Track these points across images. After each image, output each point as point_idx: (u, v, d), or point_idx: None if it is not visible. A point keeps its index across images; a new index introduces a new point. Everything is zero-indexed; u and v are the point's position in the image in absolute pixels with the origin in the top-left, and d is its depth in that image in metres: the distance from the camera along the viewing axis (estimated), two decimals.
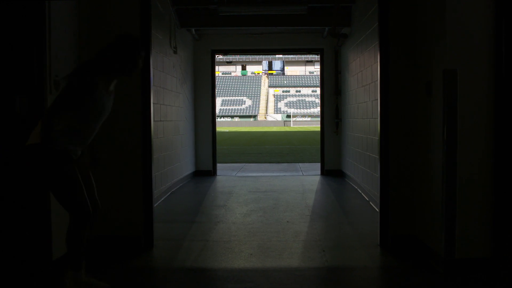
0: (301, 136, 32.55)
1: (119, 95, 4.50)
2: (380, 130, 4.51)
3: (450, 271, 3.72)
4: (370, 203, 6.64)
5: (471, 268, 3.73)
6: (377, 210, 4.75)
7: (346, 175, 9.25)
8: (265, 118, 71.15)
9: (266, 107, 74.43)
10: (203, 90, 10.13)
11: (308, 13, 8.50)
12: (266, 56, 78.70)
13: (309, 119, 66.78)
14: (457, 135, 3.68)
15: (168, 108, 7.62)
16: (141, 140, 4.50)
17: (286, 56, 78.19)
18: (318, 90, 10.61)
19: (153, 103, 4.69)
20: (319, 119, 10.67)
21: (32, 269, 3.78)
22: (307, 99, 74.68)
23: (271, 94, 77.50)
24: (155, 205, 4.89)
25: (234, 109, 73.25)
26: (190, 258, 4.32)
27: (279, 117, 70.09)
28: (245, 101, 75.22)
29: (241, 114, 71.90)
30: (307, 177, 9.81)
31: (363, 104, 7.32)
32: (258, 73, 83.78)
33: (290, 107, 72.51)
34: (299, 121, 66.00)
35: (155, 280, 3.92)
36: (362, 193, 7.43)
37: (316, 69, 79.17)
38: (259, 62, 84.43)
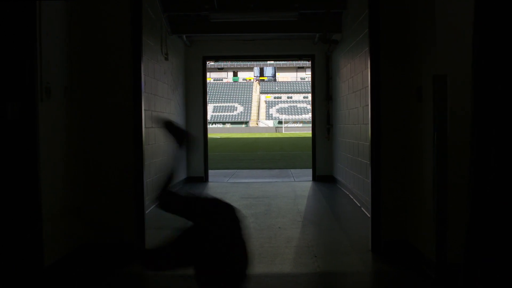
0: (293, 142, 32.58)
1: (110, 102, 4.51)
2: (371, 135, 4.53)
3: (441, 276, 3.73)
4: (362, 208, 6.66)
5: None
6: (369, 215, 4.76)
7: (337, 181, 9.26)
8: (257, 124, 71.15)
9: (258, 113, 74.45)
10: (195, 96, 10.13)
11: (299, 20, 8.54)
12: (258, 63, 78.80)
13: (300, 125, 66.84)
14: (447, 140, 3.71)
15: (159, 115, 7.61)
16: (132, 146, 4.49)
17: (278, 62, 78.27)
18: (310, 96, 10.65)
19: (145, 110, 4.68)
20: (310, 125, 10.70)
21: (21, 276, 3.74)
22: (298, 105, 74.78)
23: (262, 100, 77.54)
24: (147, 212, 4.88)
25: (226, 115, 73.19)
26: None
27: (270, 123, 70.10)
28: (236, 108, 75.19)
29: (233, 121, 71.84)
30: (299, 183, 9.82)
31: (354, 110, 7.35)
32: (250, 80, 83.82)
33: (282, 113, 72.58)
34: (290, 127, 66.10)
35: (148, 286, 3.91)
36: (354, 199, 7.45)
37: (307, 75, 79.19)
38: (250, 69, 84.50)
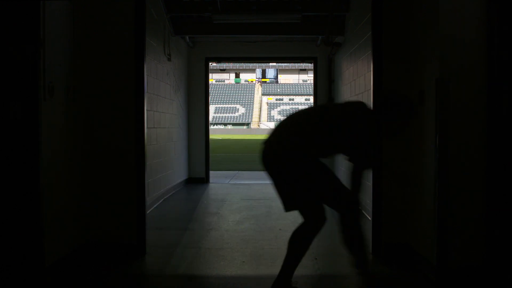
0: None
1: (112, 102, 4.52)
2: None
3: (442, 279, 3.73)
4: (363, 211, 6.65)
5: (464, 276, 3.74)
6: (370, 218, 4.76)
7: None
8: (258, 126, 71.12)
9: (260, 115, 74.47)
10: (197, 97, 10.15)
11: (302, 22, 8.55)
12: (260, 64, 78.75)
13: None
14: (449, 144, 3.71)
15: (161, 115, 7.62)
16: (134, 146, 4.50)
17: (280, 64, 78.40)
18: (311, 98, 10.65)
19: (147, 110, 4.69)
20: None
21: (23, 276, 3.74)
22: (300, 107, 74.80)
23: (264, 102, 77.56)
24: (147, 212, 4.88)
25: (228, 116, 73.22)
26: (182, 265, 4.31)
27: (272, 125, 70.09)
28: (238, 109, 75.23)
29: (235, 122, 71.88)
30: None
31: None
32: (252, 81, 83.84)
33: (283, 115, 72.47)
34: None
35: (149, 287, 3.91)
36: None
37: (309, 77, 79.33)
38: (252, 70, 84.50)
